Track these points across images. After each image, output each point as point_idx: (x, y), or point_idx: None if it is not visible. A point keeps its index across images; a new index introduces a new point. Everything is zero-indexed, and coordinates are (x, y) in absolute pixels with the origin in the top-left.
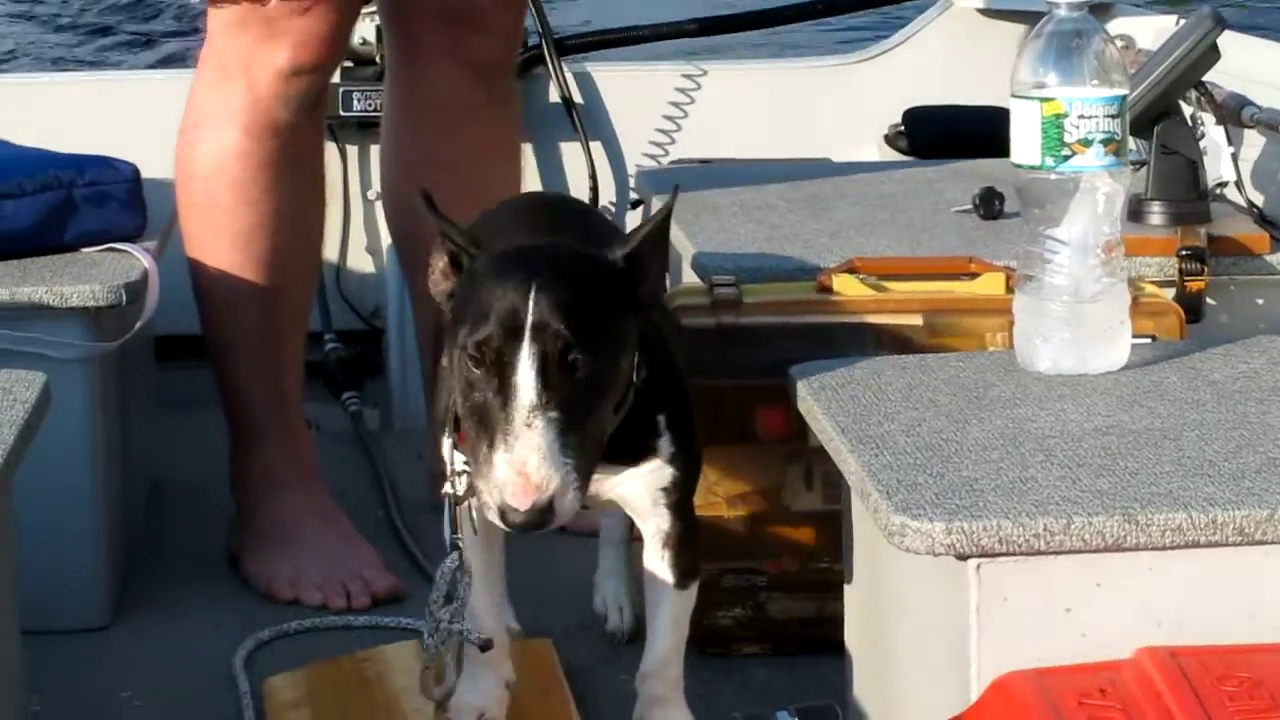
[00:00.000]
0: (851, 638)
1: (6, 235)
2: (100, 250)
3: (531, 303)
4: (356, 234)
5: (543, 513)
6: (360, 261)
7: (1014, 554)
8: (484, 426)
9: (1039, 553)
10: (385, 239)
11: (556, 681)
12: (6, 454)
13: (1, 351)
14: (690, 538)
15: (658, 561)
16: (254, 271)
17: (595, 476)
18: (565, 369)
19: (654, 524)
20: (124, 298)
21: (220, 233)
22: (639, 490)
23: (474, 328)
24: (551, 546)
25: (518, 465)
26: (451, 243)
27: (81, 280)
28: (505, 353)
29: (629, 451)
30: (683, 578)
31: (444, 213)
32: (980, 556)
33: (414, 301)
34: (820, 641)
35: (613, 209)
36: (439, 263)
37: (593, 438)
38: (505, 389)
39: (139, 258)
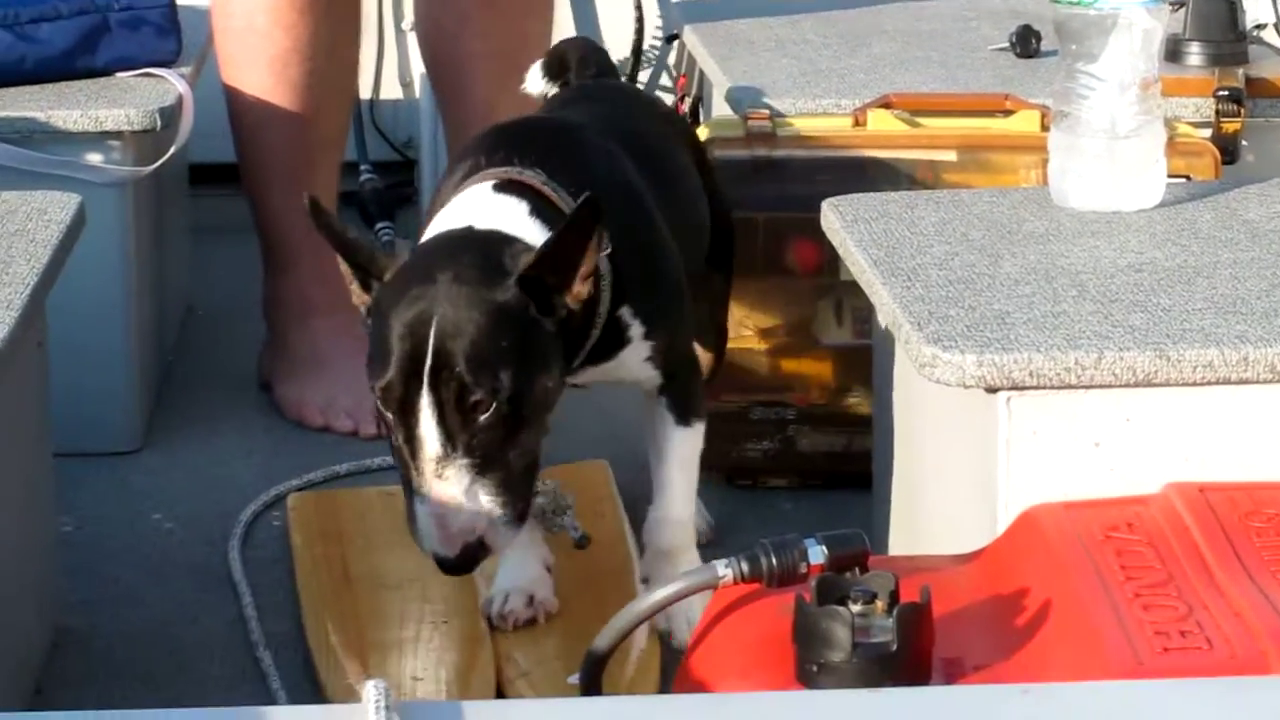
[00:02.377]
0: (879, 471)
1: (42, 59)
2: (135, 75)
3: (430, 349)
4: (390, 65)
5: (474, 551)
6: (394, 92)
7: (1044, 387)
8: (404, 468)
9: (1069, 387)
10: (419, 70)
11: (611, 503)
12: (41, 273)
13: (37, 175)
14: (686, 382)
15: (657, 408)
16: (288, 96)
17: (583, 374)
18: (471, 412)
19: (647, 384)
20: (159, 122)
21: (255, 57)
22: (621, 372)
23: (377, 371)
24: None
25: (436, 516)
26: (354, 266)
27: (116, 104)
28: (407, 402)
29: (607, 347)
30: (683, 416)
31: (335, 225)
32: (1010, 389)
33: (447, 132)
34: (847, 476)
35: (657, 44)
36: (350, 280)
37: (521, 459)
38: (412, 440)
39: (174, 83)
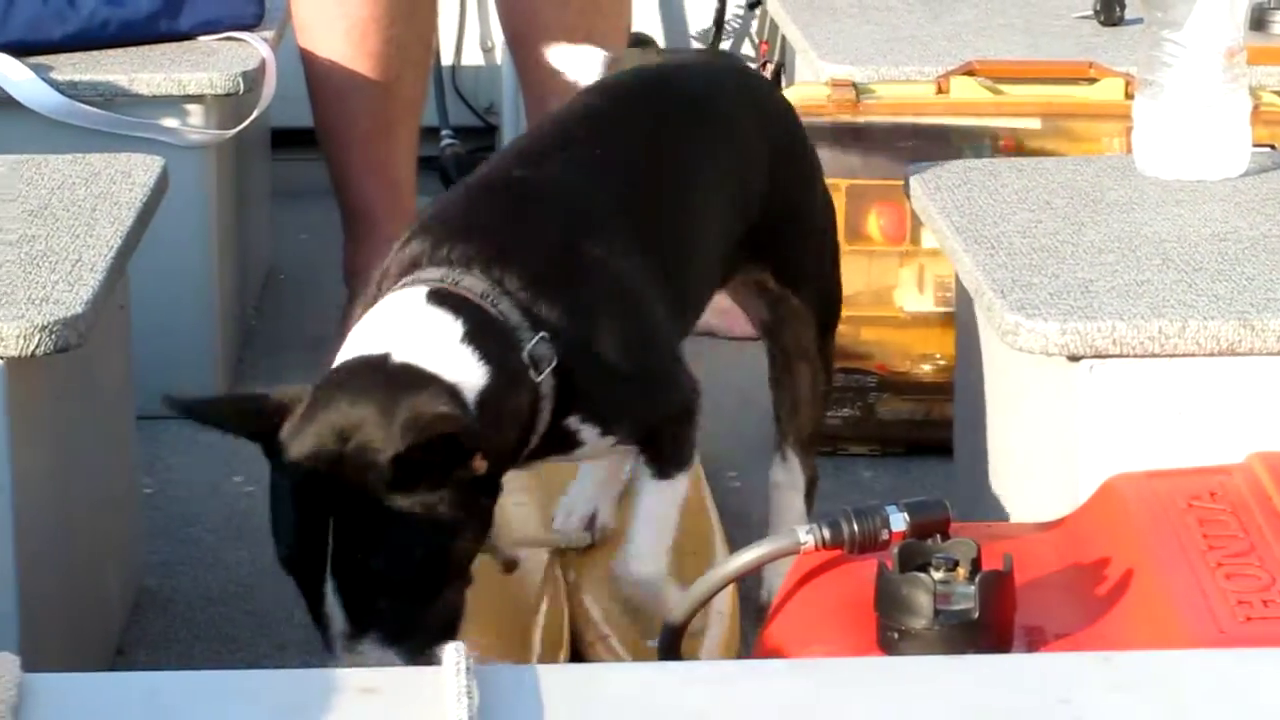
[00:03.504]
0: (960, 439)
1: (126, 23)
2: (218, 39)
3: (331, 530)
4: (472, 30)
5: None
6: (475, 57)
7: (1128, 355)
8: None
9: (1153, 355)
10: (500, 35)
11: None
12: (125, 236)
13: (120, 138)
14: (669, 437)
15: (639, 456)
16: (366, 64)
17: (548, 461)
18: (379, 594)
19: (625, 446)
20: (241, 86)
21: (333, 24)
22: (587, 458)
23: (279, 537)
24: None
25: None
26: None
27: (199, 68)
28: (311, 579)
29: (556, 447)
30: (661, 469)
31: (198, 404)
32: (1094, 357)
33: (526, 98)
34: (928, 443)
35: (740, 10)
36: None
37: (441, 616)
38: (318, 615)
39: (256, 47)
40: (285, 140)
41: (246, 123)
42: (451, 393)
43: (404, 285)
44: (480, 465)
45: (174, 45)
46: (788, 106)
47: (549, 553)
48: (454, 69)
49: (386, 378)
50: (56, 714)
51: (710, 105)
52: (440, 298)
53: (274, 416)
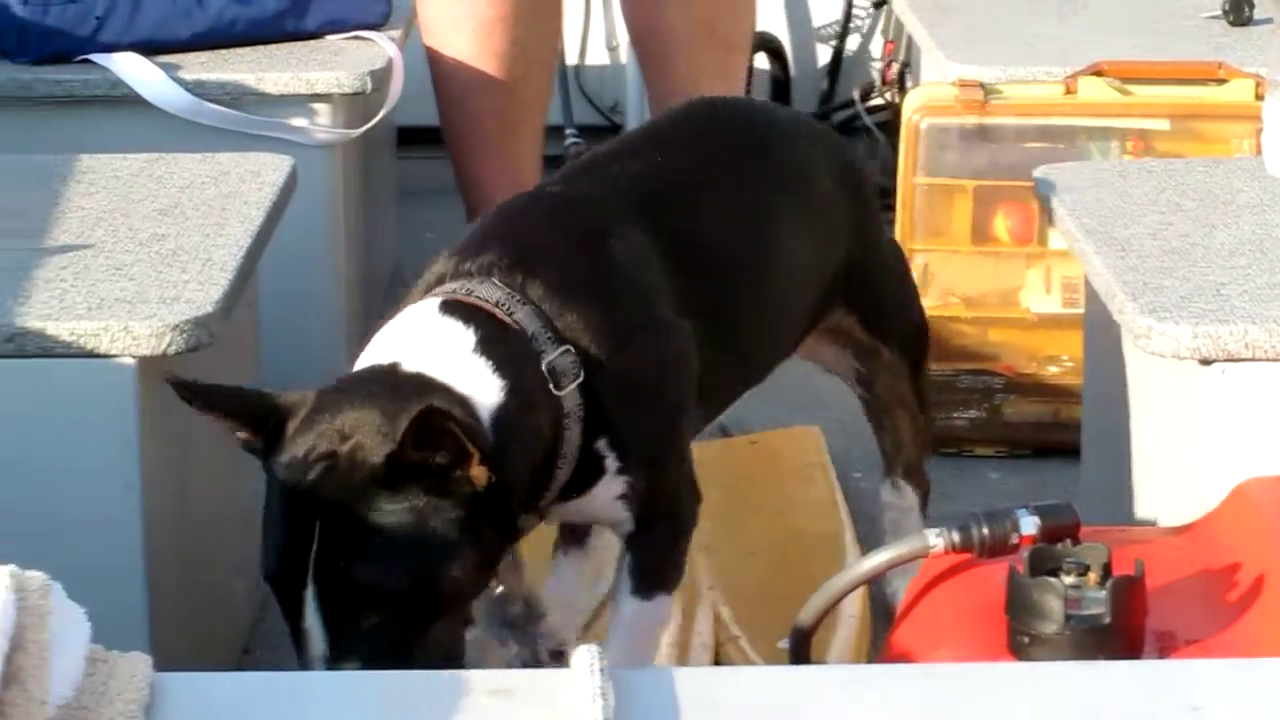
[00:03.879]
0: (1088, 441)
1: (254, 21)
2: (345, 38)
3: (315, 542)
4: (597, 29)
5: None
6: (600, 56)
7: (1260, 359)
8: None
9: None
10: (625, 34)
11: (821, 469)
12: (255, 234)
13: (247, 137)
14: (660, 539)
15: (623, 565)
16: (491, 64)
17: (553, 511)
18: (362, 615)
19: (617, 529)
20: (369, 85)
21: (459, 24)
22: (591, 509)
23: (264, 553)
24: None
25: None
26: (235, 419)
27: (327, 67)
28: (293, 596)
29: (579, 481)
30: (643, 584)
31: (201, 390)
32: (1226, 361)
33: (651, 97)
34: (1054, 445)
35: (866, 9)
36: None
37: (430, 654)
38: (297, 632)
39: (384, 46)
40: (411, 139)
41: (373, 122)
42: (461, 402)
43: (429, 295)
44: (480, 474)
45: (301, 44)
46: (852, 154)
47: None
48: (579, 68)
49: (393, 385)
50: (187, 713)
51: (783, 146)
52: (452, 308)
53: (274, 417)
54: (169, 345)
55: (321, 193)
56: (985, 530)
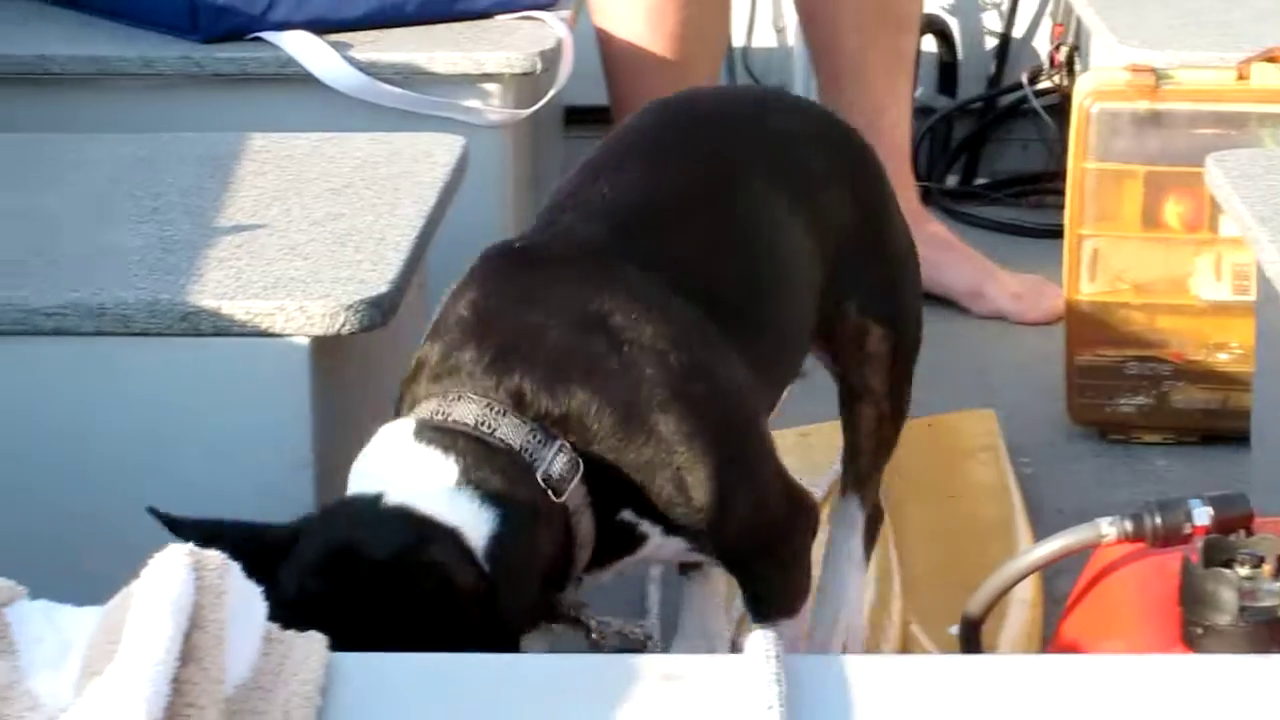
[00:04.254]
0: (1259, 429)
1: (425, 1)
2: (516, 17)
3: None
4: (764, 10)
5: None
6: (767, 38)
7: None
8: None
9: None
10: (792, 15)
11: (993, 452)
12: (428, 215)
13: (417, 116)
14: (767, 574)
15: (741, 595)
16: (661, 45)
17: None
18: None
19: (709, 565)
20: (539, 66)
21: (630, 5)
22: (658, 558)
23: None
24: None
25: None
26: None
27: (498, 47)
28: None
29: (615, 549)
30: (763, 615)
31: (192, 524)
32: None
33: (819, 78)
34: (1224, 433)
35: None
36: None
37: None
38: None
39: (554, 26)
40: (579, 118)
41: (542, 102)
42: (450, 536)
43: (417, 408)
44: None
45: (471, 24)
46: (857, 136)
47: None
48: (745, 49)
49: (378, 521)
50: (363, 694)
51: (773, 136)
52: (430, 435)
53: (272, 555)
54: (343, 325)
55: (491, 173)
56: (1158, 520)
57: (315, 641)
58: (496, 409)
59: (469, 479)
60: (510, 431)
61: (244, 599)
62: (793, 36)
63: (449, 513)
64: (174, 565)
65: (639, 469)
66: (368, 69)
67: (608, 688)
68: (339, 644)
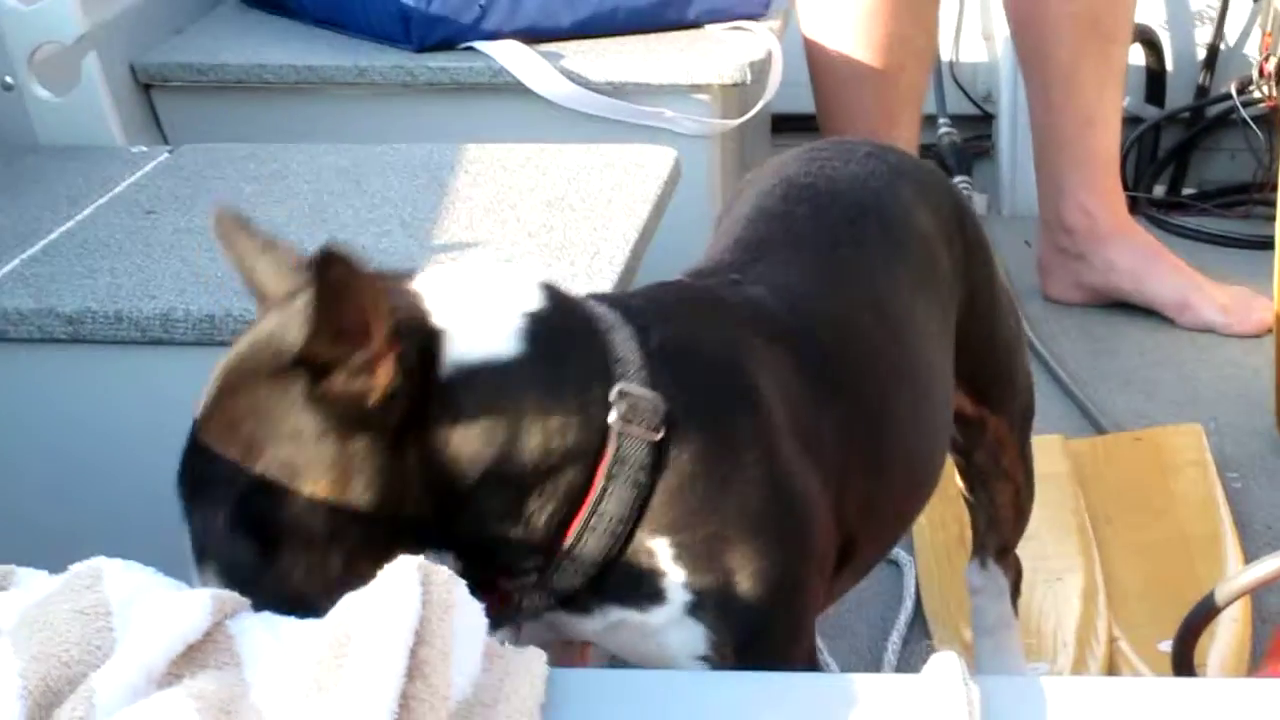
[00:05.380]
0: None
1: (634, 10)
2: (725, 28)
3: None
4: (972, 18)
5: None
6: (974, 45)
7: None
8: None
9: None
10: (1000, 24)
11: (1201, 468)
12: (641, 227)
13: (626, 126)
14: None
15: None
16: (870, 55)
17: (578, 615)
18: (213, 516)
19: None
20: (748, 77)
21: (839, 16)
22: (652, 652)
23: None
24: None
25: None
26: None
27: (707, 57)
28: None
29: (623, 588)
30: None
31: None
32: None
33: (1028, 91)
34: None
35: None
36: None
37: (269, 595)
38: None
39: (763, 37)
40: (786, 126)
41: (751, 114)
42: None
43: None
44: (382, 378)
45: (681, 34)
46: (959, 194)
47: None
48: (953, 57)
49: None
50: (583, 711)
51: (895, 207)
52: (545, 289)
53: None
54: None
55: (701, 184)
56: None
57: (535, 658)
58: (629, 331)
59: (538, 319)
60: (622, 344)
61: (467, 614)
62: (1000, 46)
63: (457, 318)
64: (403, 578)
65: (707, 494)
66: (578, 79)
67: (806, 703)
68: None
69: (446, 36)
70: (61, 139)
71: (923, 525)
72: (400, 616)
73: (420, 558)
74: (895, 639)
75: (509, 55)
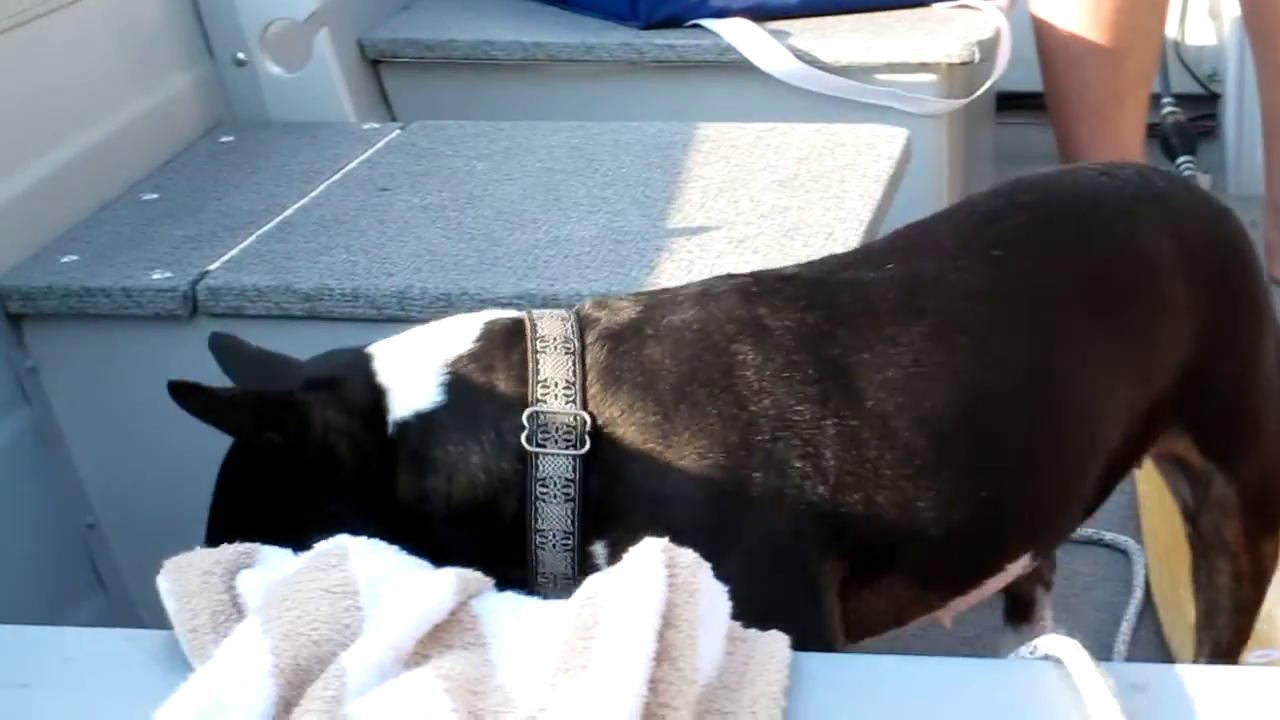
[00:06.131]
0: None
1: None
2: (952, 6)
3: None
4: (1198, 1)
5: None
6: (1201, 24)
7: None
8: None
9: None
10: (1228, 5)
11: None
12: (875, 209)
13: (855, 105)
14: None
15: None
16: (1100, 35)
17: None
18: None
19: None
20: (977, 55)
21: None
22: None
23: None
24: None
25: None
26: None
27: (936, 37)
28: None
29: None
30: None
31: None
32: None
33: (1257, 70)
34: None
35: None
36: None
37: None
38: None
39: (991, 15)
40: (1010, 104)
41: (979, 93)
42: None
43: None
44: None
45: (908, 12)
46: (1227, 228)
47: None
48: (1178, 37)
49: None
50: (827, 696)
51: (1097, 236)
52: (502, 325)
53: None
54: None
55: (929, 164)
56: None
57: (778, 641)
58: (564, 344)
59: (459, 364)
60: (554, 364)
61: (712, 597)
62: (1227, 26)
63: (396, 377)
64: (649, 562)
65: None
66: (806, 57)
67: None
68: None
69: (673, 14)
70: (292, 115)
71: (1150, 510)
72: (648, 600)
73: (664, 541)
74: (1125, 629)
75: (737, 33)
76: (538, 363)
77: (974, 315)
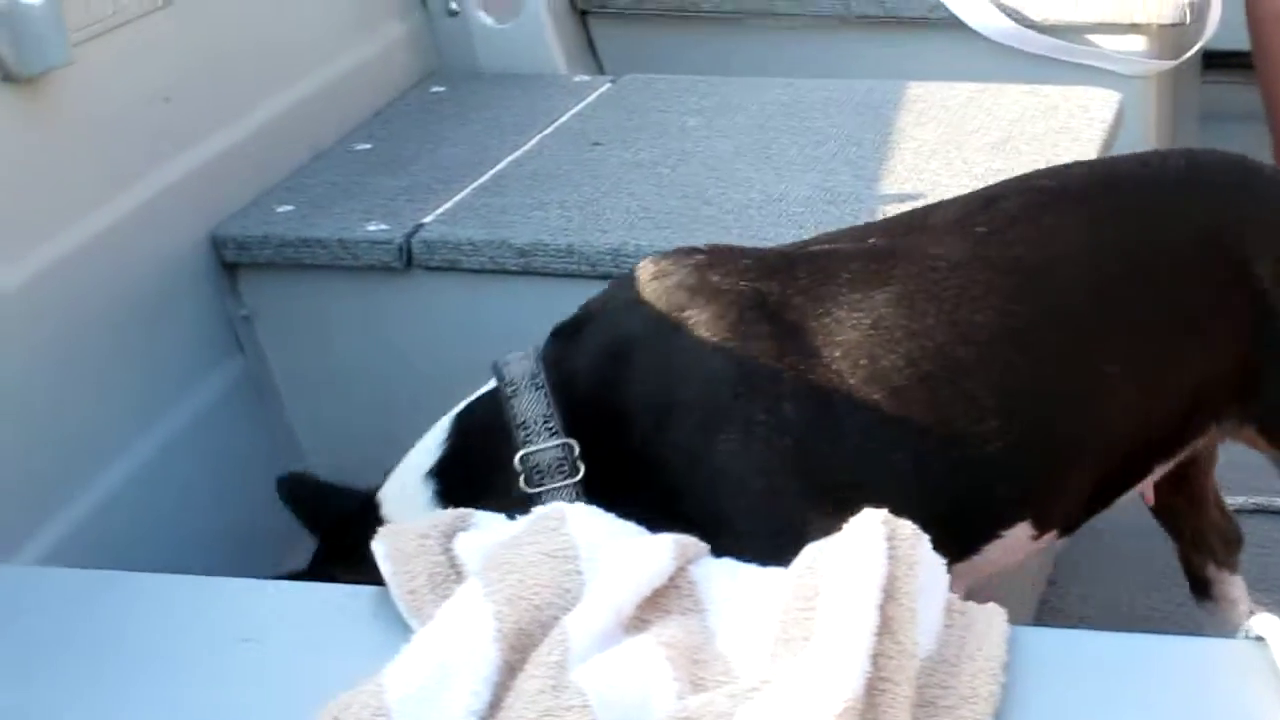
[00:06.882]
0: None
1: None
2: None
3: None
4: None
5: None
6: None
7: None
8: None
9: None
10: None
11: None
12: None
13: (1063, 65)
14: None
15: None
16: None
17: None
18: None
19: None
20: (1187, 16)
21: None
22: None
23: None
24: None
25: None
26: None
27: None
28: None
29: None
30: None
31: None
32: None
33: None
34: None
35: None
36: None
37: None
38: None
39: None
40: (1216, 63)
41: (1190, 53)
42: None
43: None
44: None
45: None
46: None
47: None
48: None
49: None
50: (1047, 670)
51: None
52: (456, 423)
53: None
54: None
55: (1137, 126)
56: None
57: (996, 614)
58: (536, 381)
59: (439, 469)
60: (529, 406)
61: (931, 569)
62: None
63: (396, 511)
64: (869, 534)
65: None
66: (1016, 15)
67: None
68: None
69: None
70: (503, 66)
71: None
72: (869, 572)
73: (883, 513)
74: None
75: None
76: (512, 408)
77: (943, 285)
